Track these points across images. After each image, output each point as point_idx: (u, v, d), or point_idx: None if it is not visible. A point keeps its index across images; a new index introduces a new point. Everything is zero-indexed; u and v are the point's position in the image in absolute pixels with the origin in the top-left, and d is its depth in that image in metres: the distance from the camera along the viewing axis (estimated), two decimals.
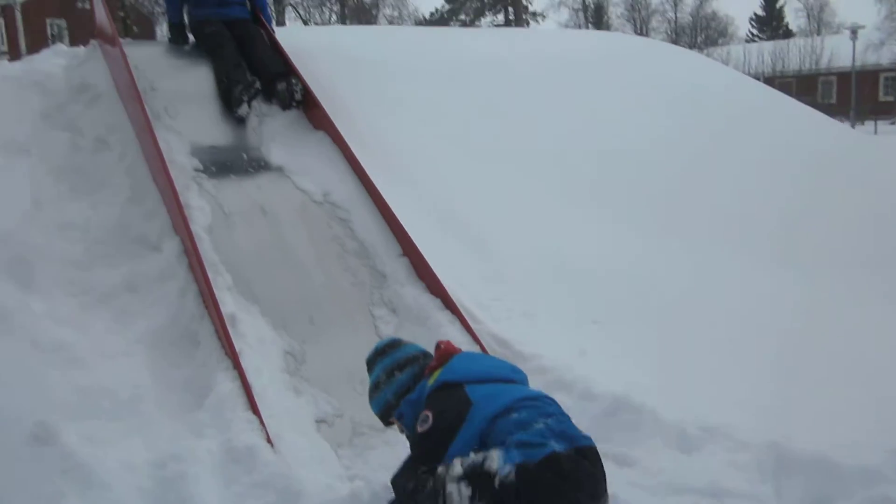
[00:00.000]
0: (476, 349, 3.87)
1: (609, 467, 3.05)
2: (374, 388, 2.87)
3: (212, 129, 5.30)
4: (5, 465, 2.87)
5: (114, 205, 4.78)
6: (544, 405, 2.49)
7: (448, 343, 2.81)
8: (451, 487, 2.25)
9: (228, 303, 3.86)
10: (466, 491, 2.24)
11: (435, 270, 4.31)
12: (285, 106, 5.57)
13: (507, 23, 34.76)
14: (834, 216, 5.75)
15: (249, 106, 5.44)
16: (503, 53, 7.54)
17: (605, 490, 2.40)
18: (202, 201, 4.59)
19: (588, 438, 2.45)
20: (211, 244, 4.28)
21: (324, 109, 5.40)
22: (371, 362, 2.94)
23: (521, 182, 5.75)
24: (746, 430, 3.26)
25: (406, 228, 4.58)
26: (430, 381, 2.62)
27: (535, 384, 3.64)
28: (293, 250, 4.46)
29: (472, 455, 2.32)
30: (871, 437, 3.24)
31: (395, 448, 3.30)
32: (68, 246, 4.40)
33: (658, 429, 3.28)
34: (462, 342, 3.88)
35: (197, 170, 4.84)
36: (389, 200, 4.77)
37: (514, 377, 2.70)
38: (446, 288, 4.23)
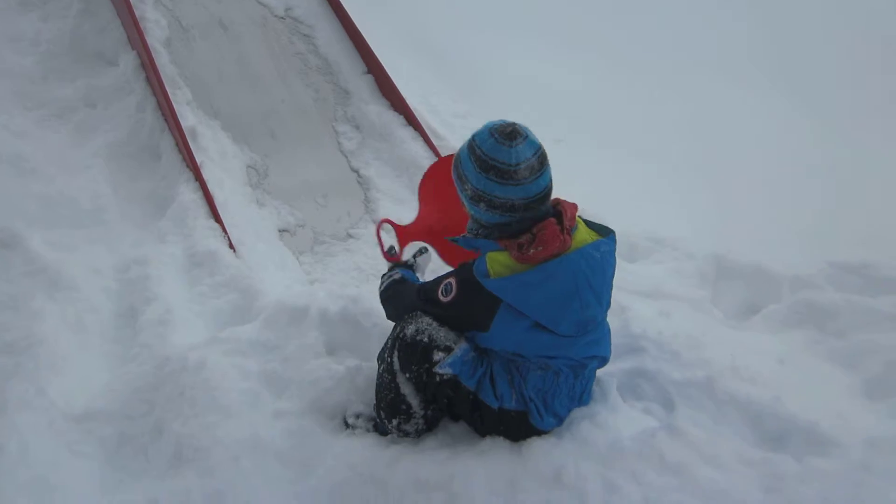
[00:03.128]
0: None
1: None
2: (460, 180, 2.04)
3: None
4: None
5: (65, 17, 4.61)
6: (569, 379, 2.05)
7: (547, 235, 1.92)
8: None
9: (188, 117, 3.85)
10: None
11: (399, 88, 4.27)
12: None
13: None
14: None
15: None
16: None
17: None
18: (158, 14, 4.45)
19: (540, 419, 2.05)
20: (169, 58, 4.20)
21: None
22: (482, 159, 1.96)
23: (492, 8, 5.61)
24: (692, 243, 3.39)
25: (371, 46, 4.49)
26: (493, 265, 1.95)
27: None
28: (254, 66, 4.37)
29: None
30: (811, 251, 3.39)
31: (354, 255, 3.42)
32: (20, 59, 4.28)
33: None
34: (423, 157, 3.92)
35: None
36: (355, 18, 4.64)
37: (570, 330, 1.98)
38: (410, 106, 4.21)
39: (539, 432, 2.05)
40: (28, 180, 3.43)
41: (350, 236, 3.61)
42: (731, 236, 3.56)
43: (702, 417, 2.16)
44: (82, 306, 2.88)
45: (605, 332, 2.12)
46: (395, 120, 4.17)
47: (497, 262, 1.95)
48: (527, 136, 1.98)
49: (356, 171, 3.98)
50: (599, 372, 2.40)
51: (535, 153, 1.97)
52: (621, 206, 3.70)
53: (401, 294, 2.26)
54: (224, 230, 3.34)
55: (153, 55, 4.06)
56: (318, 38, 4.63)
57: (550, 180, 2.03)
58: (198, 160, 3.60)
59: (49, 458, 2.23)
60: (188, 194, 3.46)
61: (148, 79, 4.12)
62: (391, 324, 2.26)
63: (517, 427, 2.04)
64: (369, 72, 4.47)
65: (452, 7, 5.65)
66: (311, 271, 3.32)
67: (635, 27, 5.53)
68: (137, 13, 4.29)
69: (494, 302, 1.92)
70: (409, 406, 2.10)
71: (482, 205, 1.99)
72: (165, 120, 3.91)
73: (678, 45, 5.38)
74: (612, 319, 2.71)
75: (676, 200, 3.83)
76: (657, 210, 3.70)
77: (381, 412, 2.16)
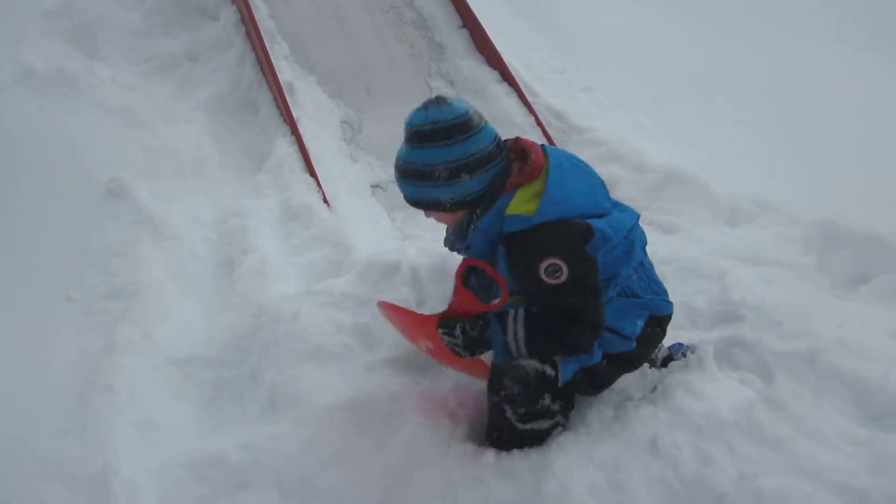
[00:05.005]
0: (531, 120, 3.84)
1: (655, 234, 3.12)
2: (423, 178, 1.93)
3: None
4: (87, 216, 3.08)
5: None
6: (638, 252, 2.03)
7: (524, 142, 1.97)
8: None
9: (286, 71, 3.90)
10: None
11: (495, 43, 4.19)
12: None
13: None
14: None
15: None
16: None
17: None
18: None
19: (666, 303, 2.07)
20: (267, 13, 4.25)
21: None
22: (423, 136, 1.91)
23: None
24: (797, 207, 3.22)
25: (467, 0, 4.41)
26: (520, 207, 1.86)
27: (589, 156, 3.64)
28: (349, 20, 4.37)
29: None
30: None
31: None
32: (126, 15, 4.43)
33: (708, 201, 3.28)
34: (518, 114, 3.86)
35: None
36: None
37: (608, 204, 2.01)
38: (505, 61, 4.13)
39: (667, 317, 2.08)
40: (135, 132, 3.56)
41: None
42: (839, 201, 3.36)
43: (803, 391, 2.06)
44: (184, 255, 2.99)
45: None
46: (489, 76, 4.11)
47: (520, 201, 1.88)
48: (447, 96, 1.95)
49: None
50: (695, 339, 2.33)
51: (466, 101, 1.95)
52: (723, 167, 3.56)
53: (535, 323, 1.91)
54: (318, 184, 3.39)
55: (252, 10, 4.12)
56: None
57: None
58: (294, 115, 3.66)
59: (153, 400, 2.34)
60: (284, 148, 3.53)
61: (247, 33, 4.19)
62: None
63: (652, 335, 2.04)
64: (464, 26, 4.41)
65: None
66: (402, 227, 3.34)
67: None
68: None
69: (569, 220, 1.86)
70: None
71: (464, 175, 1.90)
72: (264, 74, 3.98)
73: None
74: (711, 285, 2.64)
75: (782, 163, 3.64)
76: (761, 172, 3.54)
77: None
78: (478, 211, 1.95)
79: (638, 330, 1.99)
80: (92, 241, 2.96)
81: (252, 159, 3.60)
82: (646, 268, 2.05)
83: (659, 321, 2.06)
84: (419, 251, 2.69)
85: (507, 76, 4.08)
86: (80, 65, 3.89)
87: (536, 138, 3.77)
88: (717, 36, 4.76)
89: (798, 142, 3.80)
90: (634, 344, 1.98)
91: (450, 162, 1.89)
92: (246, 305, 2.68)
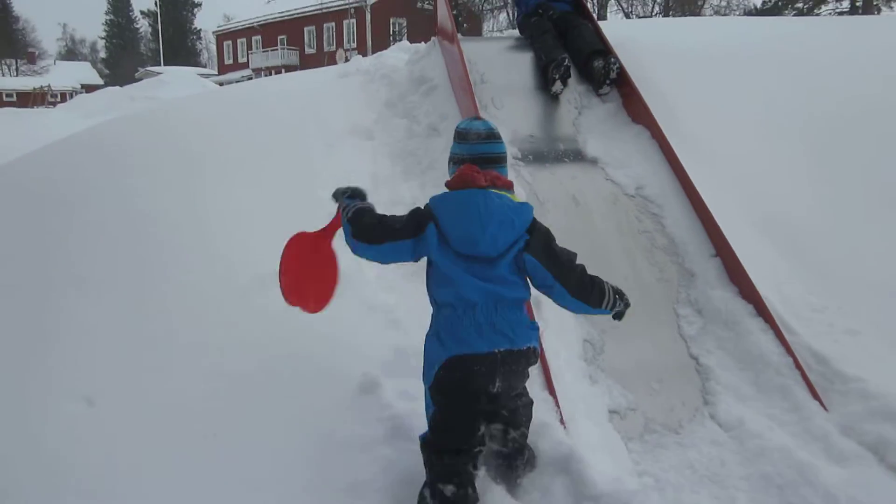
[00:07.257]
0: (788, 362, 3.57)
1: None
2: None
3: (532, 120, 5.54)
4: (339, 409, 3.29)
5: (440, 187, 5.18)
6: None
7: (465, 174, 2.76)
8: None
9: (531, 288, 4.01)
10: None
11: (749, 274, 4.06)
12: (600, 84, 5.65)
13: (853, 10, 30.36)
14: None
15: (564, 84, 5.60)
16: (839, 43, 6.80)
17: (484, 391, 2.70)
18: (518, 188, 4.82)
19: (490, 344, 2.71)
20: None
21: (643, 101, 5.34)
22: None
23: (851, 187, 5.17)
24: None
25: (721, 227, 4.37)
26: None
27: (855, 408, 3.29)
28: (601, 240, 4.48)
29: None
30: None
31: (687, 451, 3.20)
32: None
33: None
34: (773, 353, 3.62)
35: (516, 158, 5.10)
36: (705, 197, 4.58)
37: (466, 247, 2.67)
38: (761, 294, 3.96)
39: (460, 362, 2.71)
40: (390, 331, 3.81)
41: (683, 428, 3.39)
42: None
43: None
44: (418, 459, 3.04)
45: (502, 275, 2.71)
46: (743, 308, 3.94)
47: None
48: (486, 120, 2.84)
49: (695, 359, 3.79)
50: None
51: (486, 128, 2.80)
52: None
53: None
54: (557, 403, 3.35)
55: None
56: (666, 218, 4.64)
57: (497, 153, 2.79)
58: (539, 328, 3.71)
59: None
60: None
61: None
62: None
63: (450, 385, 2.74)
64: (717, 254, 4.34)
65: (810, 189, 5.32)
66: (639, 461, 3.16)
67: None
68: None
69: (430, 214, 2.70)
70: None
71: (450, 164, 2.86)
72: None
73: None
74: None
75: None
76: None
77: None
78: None
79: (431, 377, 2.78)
80: (337, 433, 3.12)
81: None
82: (460, 316, 2.76)
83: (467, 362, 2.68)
84: (660, 495, 2.51)
85: (762, 311, 3.89)
86: (352, 264, 4.30)
87: (794, 381, 3.50)
88: None
89: None
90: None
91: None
92: None
